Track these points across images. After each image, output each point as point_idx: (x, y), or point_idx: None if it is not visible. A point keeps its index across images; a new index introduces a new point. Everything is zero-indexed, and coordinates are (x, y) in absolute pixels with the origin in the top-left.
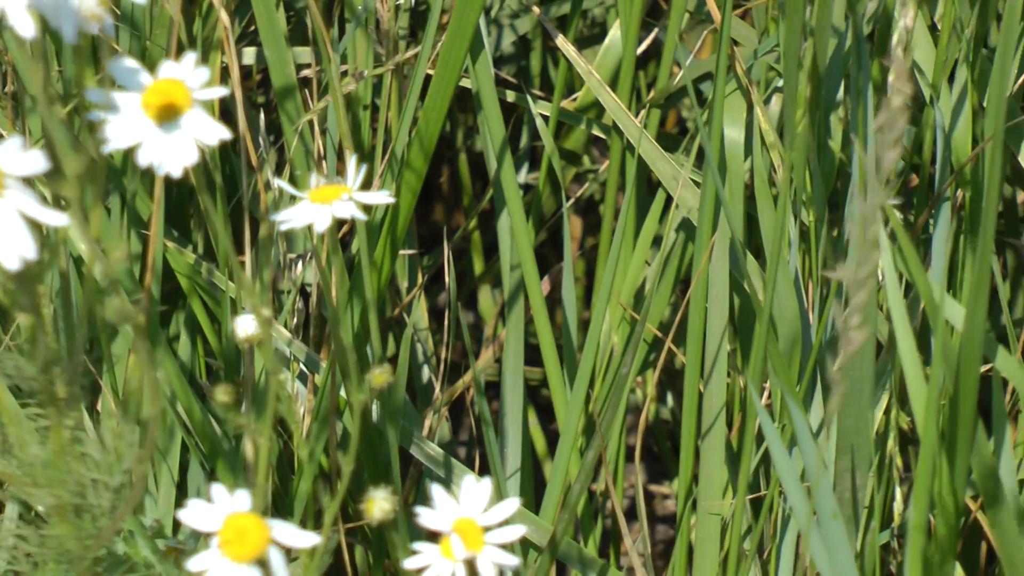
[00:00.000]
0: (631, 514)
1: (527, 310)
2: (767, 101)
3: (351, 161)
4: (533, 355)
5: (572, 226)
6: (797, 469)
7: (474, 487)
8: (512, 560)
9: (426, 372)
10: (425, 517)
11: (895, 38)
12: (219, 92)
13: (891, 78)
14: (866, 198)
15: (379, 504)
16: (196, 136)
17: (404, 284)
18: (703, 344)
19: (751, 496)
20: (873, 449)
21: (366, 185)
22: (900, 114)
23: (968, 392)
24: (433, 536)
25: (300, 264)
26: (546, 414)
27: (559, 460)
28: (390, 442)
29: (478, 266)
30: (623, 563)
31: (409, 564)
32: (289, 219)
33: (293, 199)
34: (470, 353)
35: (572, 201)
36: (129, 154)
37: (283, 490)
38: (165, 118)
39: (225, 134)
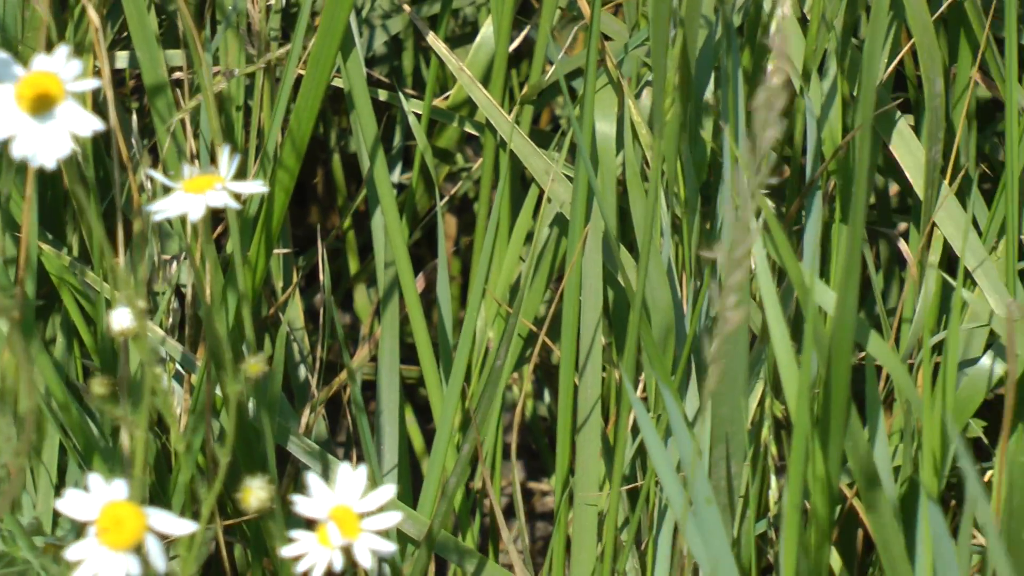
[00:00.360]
0: (511, 512)
1: (402, 308)
2: (639, 95)
3: (224, 152)
4: (411, 354)
5: (447, 225)
6: (673, 459)
7: (350, 475)
8: (388, 546)
9: (303, 371)
10: (301, 505)
11: (773, 27)
12: (92, 84)
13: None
14: (742, 178)
15: (255, 493)
16: (70, 127)
17: (280, 284)
18: (577, 337)
19: (628, 487)
20: (748, 438)
21: (240, 178)
22: (779, 92)
23: (840, 377)
24: (311, 526)
25: (175, 264)
26: (424, 414)
27: (435, 455)
28: (266, 438)
29: (353, 266)
30: (503, 560)
31: (286, 552)
32: (163, 209)
33: (167, 191)
34: (344, 351)
35: (446, 199)
36: (1, 155)
37: (161, 489)
38: (39, 109)
39: (99, 125)
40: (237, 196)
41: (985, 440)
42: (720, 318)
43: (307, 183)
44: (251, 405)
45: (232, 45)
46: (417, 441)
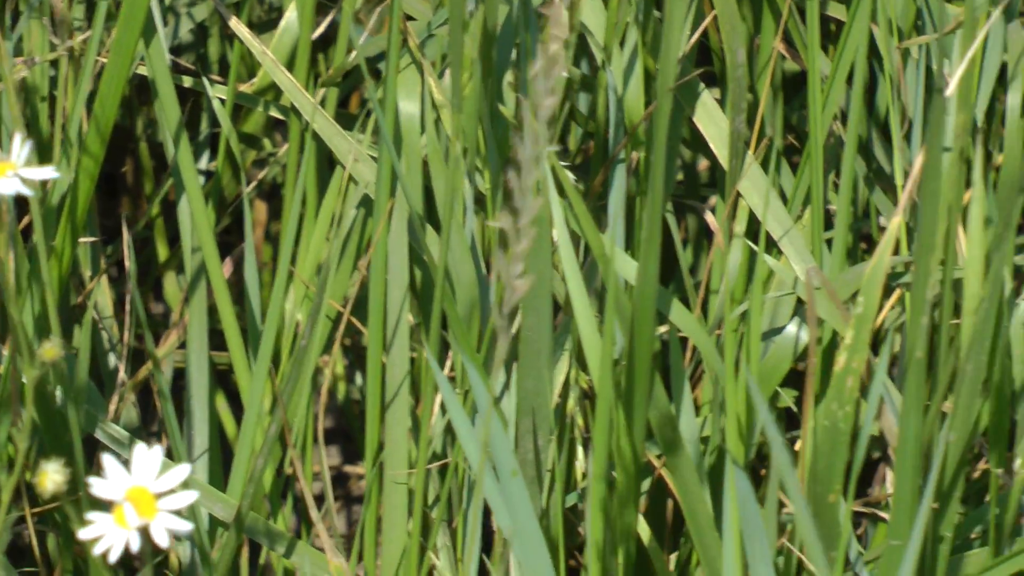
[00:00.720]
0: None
1: (210, 295)
2: (442, 74)
3: (16, 139)
4: (224, 340)
5: (258, 211)
6: (480, 434)
7: (146, 455)
8: (186, 525)
9: (112, 359)
10: (98, 487)
11: None
12: None
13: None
14: (525, 147)
15: (51, 476)
16: None
17: (88, 273)
18: (384, 316)
19: (438, 464)
20: (554, 411)
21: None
22: (556, 60)
23: (643, 346)
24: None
25: None
26: (238, 400)
27: (243, 438)
28: (72, 425)
29: (163, 253)
30: (320, 544)
31: (84, 535)
32: None
33: None
34: (148, 338)
35: (254, 184)
36: None
37: None
38: None
39: None
40: (38, 183)
41: (795, 409)
42: (507, 287)
43: (116, 174)
44: (59, 394)
45: (36, 34)
46: (230, 427)
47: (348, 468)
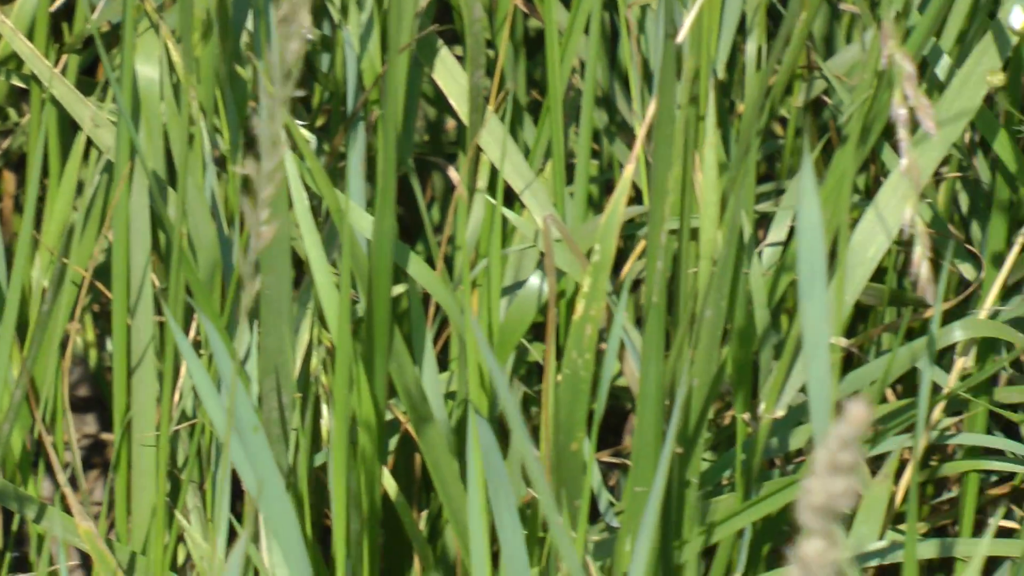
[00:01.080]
0: (90, 464)
1: None
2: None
3: None
4: None
5: (6, 181)
6: (226, 398)
7: None
8: None
9: None
10: None
11: None
12: None
13: None
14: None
15: None
16: None
17: None
18: (128, 281)
19: (186, 424)
20: (298, 368)
21: None
22: (301, 5)
23: (380, 300)
24: None
25: None
26: None
27: None
28: None
29: None
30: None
31: None
32: None
33: None
34: None
35: None
36: None
37: None
38: None
39: None
40: None
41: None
42: (253, 234)
43: None
44: None
45: None
46: None
47: (106, 436)
